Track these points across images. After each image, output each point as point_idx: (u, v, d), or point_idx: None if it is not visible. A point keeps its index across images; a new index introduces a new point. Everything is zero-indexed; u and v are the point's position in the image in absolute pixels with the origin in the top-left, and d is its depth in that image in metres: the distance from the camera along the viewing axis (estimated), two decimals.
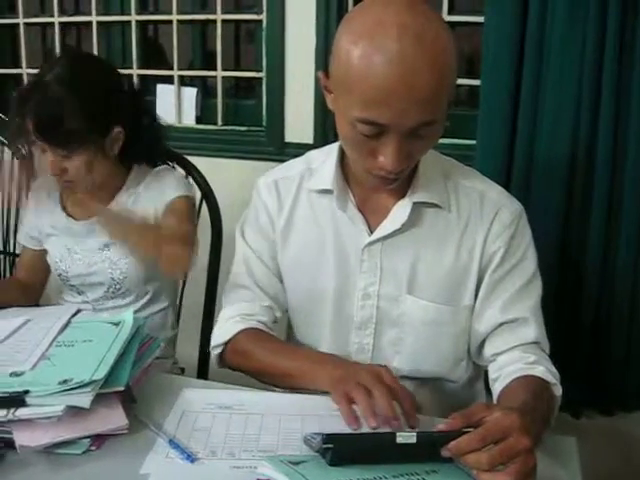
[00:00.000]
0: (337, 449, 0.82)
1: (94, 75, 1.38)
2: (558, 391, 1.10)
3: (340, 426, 0.98)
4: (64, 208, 1.54)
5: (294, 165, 1.28)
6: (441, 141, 2.11)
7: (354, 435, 0.89)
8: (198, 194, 1.72)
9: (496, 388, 1.14)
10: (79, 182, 1.42)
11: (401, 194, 1.15)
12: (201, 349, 1.70)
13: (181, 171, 1.60)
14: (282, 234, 1.25)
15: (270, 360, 1.17)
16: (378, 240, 1.17)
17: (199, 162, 1.83)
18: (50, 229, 1.54)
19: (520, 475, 0.79)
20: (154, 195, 1.50)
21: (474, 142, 1.94)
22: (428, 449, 0.82)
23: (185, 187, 1.53)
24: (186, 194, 1.51)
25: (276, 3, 2.17)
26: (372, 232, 1.17)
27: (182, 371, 1.73)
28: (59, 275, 1.55)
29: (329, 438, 0.83)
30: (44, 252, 1.59)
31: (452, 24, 2.07)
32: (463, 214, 1.17)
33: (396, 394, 0.98)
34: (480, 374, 1.29)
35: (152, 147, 1.52)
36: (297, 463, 0.84)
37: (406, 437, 0.81)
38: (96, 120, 1.35)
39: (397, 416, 0.94)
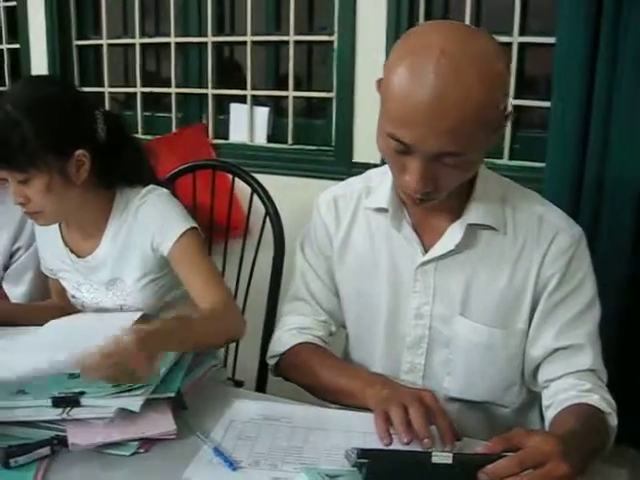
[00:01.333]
0: (372, 464, 0.83)
1: (50, 97, 1.30)
2: (613, 421, 1.07)
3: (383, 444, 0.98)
4: (66, 244, 1.47)
5: (354, 183, 1.30)
6: (510, 163, 2.13)
7: (389, 451, 0.89)
8: (262, 211, 1.76)
9: (549, 415, 1.11)
10: (46, 212, 1.34)
11: (456, 215, 1.15)
12: (260, 363, 1.73)
13: (165, 190, 1.45)
14: (339, 251, 1.27)
15: (324, 376, 1.19)
16: (432, 260, 1.17)
17: (269, 180, 1.87)
18: (60, 264, 1.49)
19: None
20: (150, 224, 1.38)
21: (543, 165, 1.91)
22: (465, 471, 0.81)
23: (186, 217, 1.40)
24: (192, 225, 1.38)
25: (347, 24, 2.21)
26: (426, 252, 1.17)
27: (241, 384, 1.75)
28: (78, 308, 1.52)
29: (364, 453, 0.84)
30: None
31: (523, 45, 2.06)
32: (519, 237, 1.15)
33: (434, 416, 0.98)
34: (536, 401, 1.26)
35: (130, 170, 1.42)
36: (334, 477, 0.84)
37: (442, 457, 0.81)
38: (50, 141, 1.27)
39: (429, 435, 0.95)
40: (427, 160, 0.99)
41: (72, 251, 1.46)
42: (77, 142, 1.31)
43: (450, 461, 0.81)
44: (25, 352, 1.17)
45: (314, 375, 1.20)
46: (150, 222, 1.38)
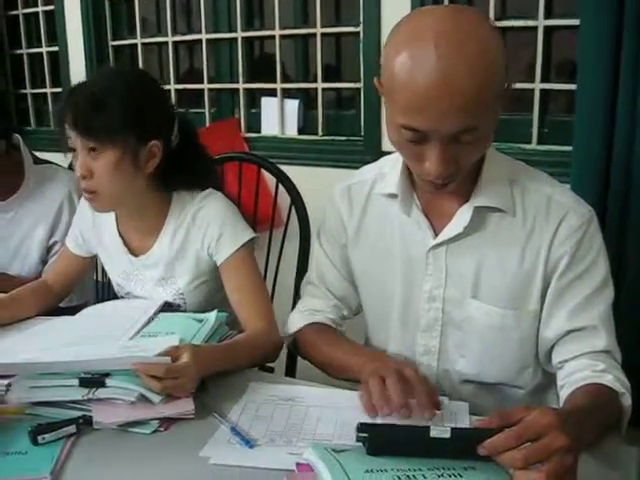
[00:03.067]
0: (372, 438, 0.85)
1: (141, 84, 1.36)
2: (627, 401, 1.07)
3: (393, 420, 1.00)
4: (120, 236, 1.48)
5: (368, 170, 1.32)
6: (538, 147, 2.12)
7: (388, 426, 0.91)
8: (287, 200, 1.80)
9: (562, 395, 1.11)
10: (104, 193, 1.33)
11: (465, 198, 1.16)
12: (289, 349, 1.77)
13: (221, 194, 1.45)
14: (353, 238, 1.30)
15: (329, 353, 1.25)
16: (442, 243, 1.18)
17: (300, 171, 1.90)
18: (107, 254, 1.52)
19: (555, 474, 0.78)
20: (207, 231, 1.40)
21: (570, 148, 1.90)
22: (464, 445, 0.83)
23: (243, 227, 1.42)
24: (247, 238, 1.41)
25: (372, 15, 2.23)
26: (437, 236, 1.19)
27: (271, 370, 1.79)
28: (122, 297, 1.55)
29: (364, 427, 0.87)
30: (84, 260, 1.58)
31: (549, 29, 2.04)
32: (529, 218, 1.15)
33: (412, 388, 1.01)
34: (552, 382, 1.25)
35: (194, 178, 1.43)
36: (340, 451, 0.87)
37: (440, 431, 0.83)
38: (133, 121, 1.29)
39: (404, 404, 0.98)
40: (445, 143, 1.01)
41: (125, 244, 1.48)
42: (155, 133, 1.33)
43: (448, 435, 0.83)
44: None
45: (320, 353, 1.28)
46: (208, 229, 1.40)
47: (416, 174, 1.11)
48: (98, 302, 1.82)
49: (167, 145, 1.36)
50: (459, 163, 1.05)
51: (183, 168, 1.40)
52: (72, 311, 1.65)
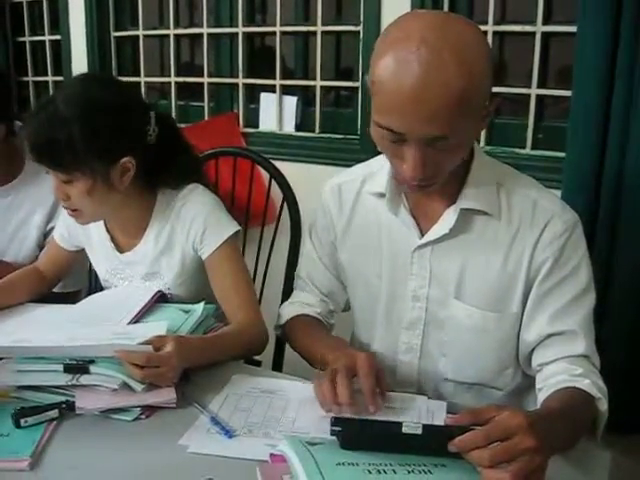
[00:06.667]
0: (345, 432, 0.87)
1: (104, 101, 1.28)
2: (603, 406, 1.08)
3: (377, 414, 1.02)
4: (108, 232, 1.49)
5: (359, 168, 1.34)
6: (532, 152, 2.13)
7: (362, 421, 0.93)
8: (280, 196, 1.82)
9: (540, 398, 1.13)
10: (85, 212, 1.35)
11: (452, 200, 1.17)
12: (276, 344, 1.79)
13: (201, 189, 1.44)
14: (342, 235, 1.31)
15: (307, 345, 1.30)
16: (428, 244, 1.20)
17: (296, 168, 1.91)
18: (94, 250, 1.53)
19: (522, 474, 0.80)
20: (192, 225, 1.40)
21: (564, 154, 1.91)
22: (435, 442, 0.85)
23: (228, 220, 1.43)
24: (232, 231, 1.41)
25: (372, 15, 2.24)
26: (423, 236, 1.20)
27: (258, 364, 1.81)
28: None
29: (337, 421, 0.88)
30: (71, 253, 1.60)
31: (546, 35, 2.06)
32: (514, 222, 1.16)
33: (359, 379, 1.04)
34: (532, 385, 1.26)
35: (178, 174, 1.42)
36: (314, 444, 0.89)
37: (412, 427, 0.85)
38: (98, 146, 1.25)
39: (347, 402, 1.00)
40: (422, 146, 1.02)
41: (112, 241, 1.49)
42: (125, 149, 1.30)
43: (419, 431, 0.85)
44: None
45: (301, 344, 1.32)
46: (193, 224, 1.40)
47: (395, 173, 1.13)
48: (92, 289, 1.86)
49: (143, 150, 1.34)
50: (435, 167, 1.06)
51: (165, 166, 1.40)
52: (66, 297, 1.67)
